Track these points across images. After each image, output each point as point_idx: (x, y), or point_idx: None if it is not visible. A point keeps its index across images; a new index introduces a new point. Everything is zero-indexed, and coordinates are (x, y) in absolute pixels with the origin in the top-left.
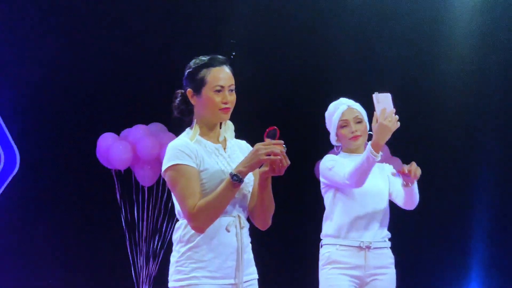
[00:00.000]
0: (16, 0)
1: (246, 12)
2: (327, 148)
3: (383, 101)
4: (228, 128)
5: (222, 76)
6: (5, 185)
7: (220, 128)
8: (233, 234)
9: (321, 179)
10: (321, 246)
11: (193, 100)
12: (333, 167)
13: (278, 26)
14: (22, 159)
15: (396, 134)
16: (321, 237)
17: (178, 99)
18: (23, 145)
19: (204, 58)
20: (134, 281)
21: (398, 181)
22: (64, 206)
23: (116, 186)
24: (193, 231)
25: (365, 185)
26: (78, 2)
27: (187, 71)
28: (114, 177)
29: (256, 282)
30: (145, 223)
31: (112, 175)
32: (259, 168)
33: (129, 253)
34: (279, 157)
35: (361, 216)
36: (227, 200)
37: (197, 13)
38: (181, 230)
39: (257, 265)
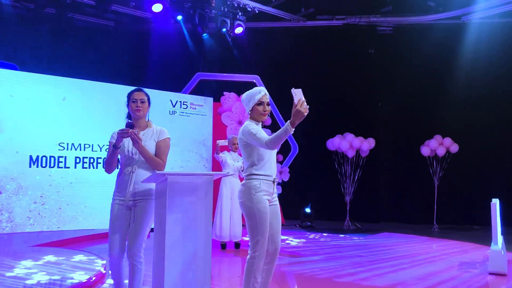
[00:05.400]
0: None
1: None
2: None
3: (298, 94)
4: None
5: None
6: (292, 159)
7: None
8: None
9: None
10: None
11: None
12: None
13: None
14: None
15: None
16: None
17: None
18: (298, 142)
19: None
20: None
21: None
22: (314, 168)
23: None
24: None
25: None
26: None
27: None
28: (333, 155)
29: None
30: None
31: (331, 154)
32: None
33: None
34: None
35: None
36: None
37: None
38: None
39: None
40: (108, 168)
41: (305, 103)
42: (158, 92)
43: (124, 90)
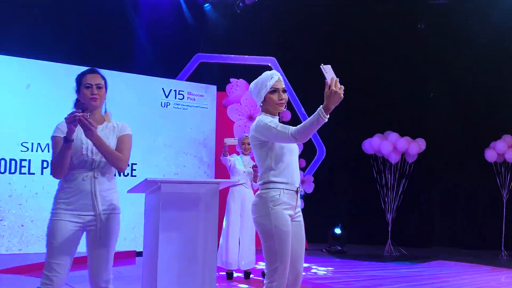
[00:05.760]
0: None
1: None
2: None
3: (329, 71)
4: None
5: None
6: (318, 164)
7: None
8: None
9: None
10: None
11: None
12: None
13: None
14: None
15: None
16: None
17: None
18: (326, 143)
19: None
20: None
21: None
22: (346, 177)
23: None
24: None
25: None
26: None
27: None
28: (371, 159)
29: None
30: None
31: (369, 158)
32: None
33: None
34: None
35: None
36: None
37: None
38: None
39: None
40: (58, 171)
41: (339, 82)
42: (147, 78)
43: (106, 75)
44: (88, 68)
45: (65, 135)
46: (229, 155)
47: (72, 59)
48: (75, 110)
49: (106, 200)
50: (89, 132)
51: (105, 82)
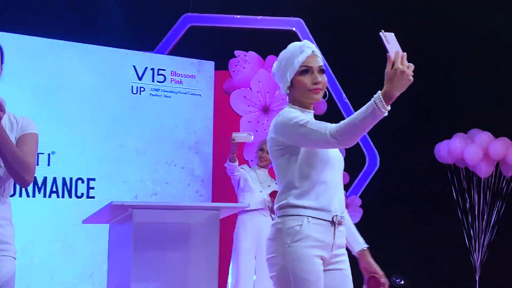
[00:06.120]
0: None
1: None
2: None
3: (392, 42)
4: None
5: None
6: (368, 180)
7: None
8: None
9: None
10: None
11: None
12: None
13: None
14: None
15: None
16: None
17: None
18: (379, 148)
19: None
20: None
21: None
22: (411, 198)
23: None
24: None
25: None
26: None
27: None
28: (449, 172)
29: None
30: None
31: (446, 170)
32: None
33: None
34: None
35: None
36: None
37: None
38: None
39: None
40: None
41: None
42: (111, 51)
43: (48, 46)
44: None
45: None
46: (239, 165)
47: (9, 25)
48: None
49: None
50: None
51: (1, 53)
